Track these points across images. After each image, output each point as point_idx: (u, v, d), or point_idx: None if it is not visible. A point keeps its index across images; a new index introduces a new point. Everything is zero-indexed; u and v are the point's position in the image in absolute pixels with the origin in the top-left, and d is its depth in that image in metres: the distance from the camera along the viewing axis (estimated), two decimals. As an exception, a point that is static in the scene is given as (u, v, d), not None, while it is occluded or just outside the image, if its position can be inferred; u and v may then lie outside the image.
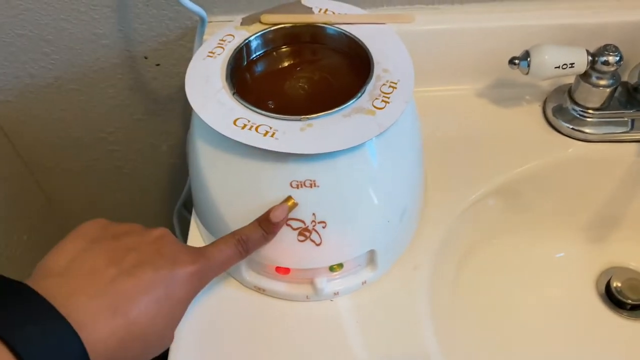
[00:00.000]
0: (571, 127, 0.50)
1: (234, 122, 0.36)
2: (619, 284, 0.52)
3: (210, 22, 0.52)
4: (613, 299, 0.52)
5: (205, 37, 0.51)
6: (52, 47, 0.55)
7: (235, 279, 0.42)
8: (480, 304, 0.49)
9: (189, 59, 0.56)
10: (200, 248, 0.36)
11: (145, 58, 0.56)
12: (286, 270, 0.39)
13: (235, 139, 0.35)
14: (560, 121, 0.51)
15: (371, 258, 0.40)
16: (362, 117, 0.37)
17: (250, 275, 0.40)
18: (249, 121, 0.36)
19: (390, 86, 0.39)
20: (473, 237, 0.49)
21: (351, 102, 0.37)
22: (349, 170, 0.37)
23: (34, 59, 0.55)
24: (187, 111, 0.62)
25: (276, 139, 0.35)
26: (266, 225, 0.36)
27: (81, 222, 0.33)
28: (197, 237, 0.45)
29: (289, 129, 0.36)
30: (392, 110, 0.37)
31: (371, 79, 0.39)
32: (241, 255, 0.36)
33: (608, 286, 0.52)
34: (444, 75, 0.54)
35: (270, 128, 0.36)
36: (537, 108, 0.53)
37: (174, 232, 0.69)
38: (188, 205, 0.68)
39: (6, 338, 0.25)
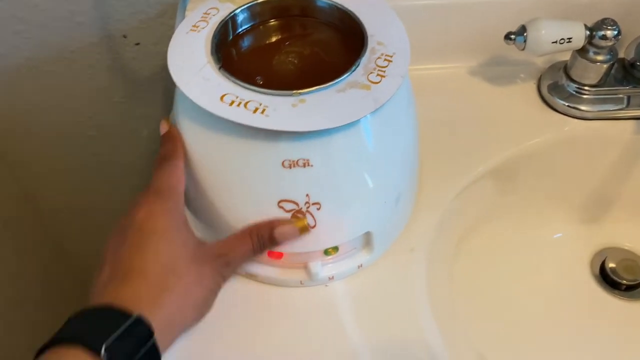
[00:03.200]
0: (567, 104, 0.49)
1: (221, 99, 0.34)
2: (614, 265, 0.51)
3: (192, -3, 0.49)
4: (608, 279, 0.51)
5: (187, 12, 0.48)
6: (24, 25, 0.51)
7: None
8: (477, 286, 0.48)
9: (170, 38, 0.54)
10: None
11: (124, 37, 0.53)
12: (279, 255, 0.37)
13: (223, 116, 0.33)
14: (555, 99, 0.50)
15: (367, 241, 0.39)
16: (357, 91, 0.35)
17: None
18: (237, 97, 0.34)
19: (385, 59, 0.37)
20: (469, 219, 0.48)
21: (345, 75, 0.35)
22: (344, 149, 0.35)
23: (4, 37, 0.52)
24: (169, 93, 0.59)
25: (267, 115, 0.33)
26: (267, 240, 0.35)
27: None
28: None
29: (280, 105, 0.34)
30: (388, 84, 0.35)
31: (365, 51, 0.37)
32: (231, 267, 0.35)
33: (603, 267, 0.51)
34: (437, 53, 0.53)
35: (260, 104, 0.34)
36: (532, 86, 0.52)
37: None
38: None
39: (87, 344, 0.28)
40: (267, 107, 0.34)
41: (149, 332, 0.29)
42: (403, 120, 0.38)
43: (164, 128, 0.38)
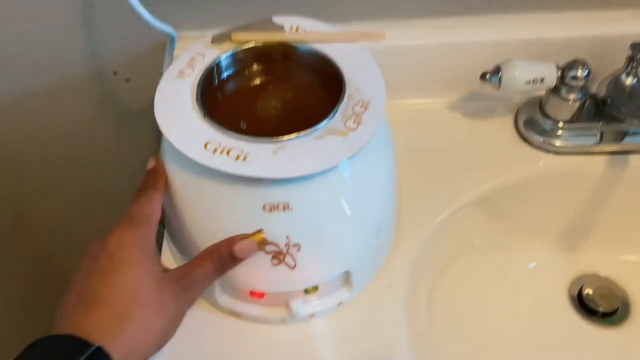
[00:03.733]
0: (542, 139, 0.51)
1: (205, 146, 0.36)
2: (590, 292, 0.53)
3: (181, 36, 0.51)
4: (585, 306, 0.52)
5: (176, 52, 0.50)
6: (16, 63, 0.53)
7: (210, 303, 0.41)
8: (456, 317, 0.49)
9: (160, 74, 0.55)
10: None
11: (115, 73, 0.55)
12: (261, 294, 0.39)
13: (206, 164, 0.35)
14: (531, 134, 0.52)
15: (346, 279, 0.40)
16: (334, 138, 0.37)
17: (224, 300, 0.40)
18: (219, 144, 0.36)
19: (362, 106, 0.39)
20: (448, 250, 0.50)
21: (323, 123, 0.37)
22: (323, 192, 0.37)
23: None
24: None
25: (248, 163, 0.35)
26: (228, 259, 0.36)
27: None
28: (169, 259, 0.44)
29: (260, 151, 0.36)
30: (365, 130, 0.37)
31: (343, 98, 0.39)
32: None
33: (580, 294, 0.53)
34: (417, 88, 0.55)
35: (242, 151, 0.35)
36: (509, 120, 0.54)
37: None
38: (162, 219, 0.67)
39: None
40: (248, 154, 0.35)
41: None
42: (380, 162, 0.40)
43: (151, 164, 0.40)
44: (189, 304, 0.37)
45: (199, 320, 0.40)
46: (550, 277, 0.54)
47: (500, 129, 0.53)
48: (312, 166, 0.35)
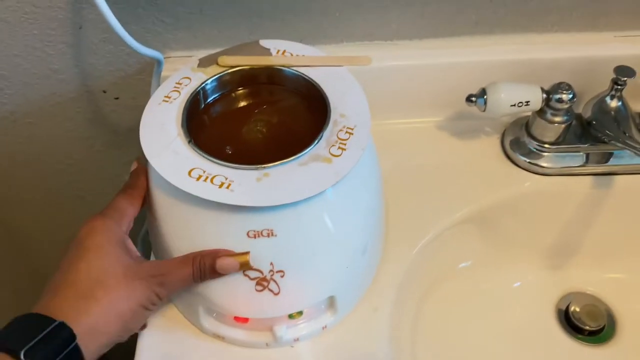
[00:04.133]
0: (528, 160, 0.51)
1: (189, 173, 0.36)
2: (577, 309, 0.53)
3: (169, 57, 0.51)
4: (571, 324, 0.53)
5: (164, 72, 0.50)
6: (6, 82, 0.53)
7: (194, 326, 0.41)
8: (442, 337, 0.50)
9: (148, 92, 0.56)
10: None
11: (104, 92, 0.55)
12: (245, 319, 0.39)
13: (190, 192, 0.35)
14: (517, 155, 0.52)
15: (331, 303, 0.40)
16: (318, 165, 0.37)
17: (208, 323, 0.40)
18: (204, 172, 0.36)
19: (347, 132, 0.39)
20: (434, 271, 0.50)
21: (308, 149, 0.37)
22: (307, 218, 0.37)
23: (-13, 93, 0.54)
24: (148, 142, 0.61)
25: (232, 190, 0.35)
26: (208, 271, 0.36)
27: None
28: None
29: (245, 179, 0.36)
30: (349, 157, 0.37)
31: (328, 125, 0.39)
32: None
33: (567, 311, 0.53)
34: (404, 108, 0.55)
35: (226, 179, 0.36)
36: (496, 140, 0.54)
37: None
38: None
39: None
40: (232, 181, 0.36)
41: (71, 337, 0.32)
42: (365, 186, 0.40)
43: (133, 166, 0.43)
44: (160, 298, 0.37)
45: (183, 342, 0.40)
46: (537, 295, 0.55)
47: (487, 149, 0.54)
48: (296, 194, 0.35)
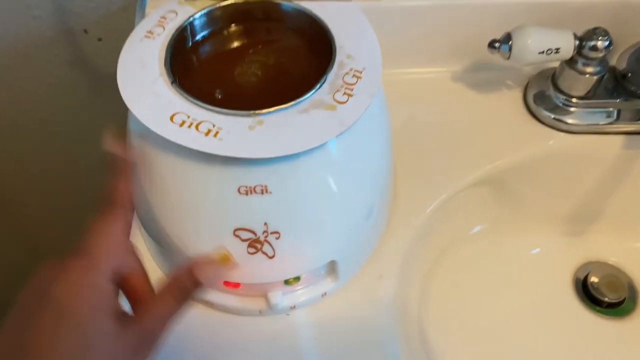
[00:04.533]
0: (553, 116, 0.46)
1: (171, 118, 0.31)
2: (597, 280, 0.49)
3: (155, -8, 0.46)
4: (589, 295, 0.49)
5: (148, 9, 0.45)
6: (-25, 18, 0.48)
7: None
8: (452, 308, 0.46)
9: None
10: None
11: (85, 32, 0.50)
12: (236, 285, 0.35)
13: (171, 139, 0.30)
14: (541, 110, 0.47)
15: (332, 268, 0.36)
16: (321, 112, 0.32)
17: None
18: (188, 117, 0.31)
19: (354, 75, 0.34)
20: (445, 236, 0.46)
21: (308, 94, 0.32)
22: (306, 174, 0.32)
23: (-48, 30, 0.49)
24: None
25: (220, 139, 0.30)
26: (191, 287, 0.30)
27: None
28: (140, 243, 0.41)
29: (235, 126, 0.31)
30: (356, 104, 0.32)
31: (333, 67, 0.34)
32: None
33: (585, 282, 0.49)
34: (418, 56, 0.50)
35: (214, 126, 0.31)
36: (518, 94, 0.49)
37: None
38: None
39: None
40: (221, 129, 0.31)
41: None
42: (373, 140, 0.36)
43: (107, 143, 0.32)
44: (150, 352, 0.30)
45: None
46: (554, 263, 0.51)
47: (508, 104, 0.49)
48: (294, 145, 0.31)
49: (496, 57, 0.46)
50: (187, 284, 0.30)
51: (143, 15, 0.42)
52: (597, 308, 0.48)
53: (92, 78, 0.54)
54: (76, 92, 0.56)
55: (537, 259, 0.51)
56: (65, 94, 0.56)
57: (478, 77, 0.50)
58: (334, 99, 0.33)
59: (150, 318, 0.29)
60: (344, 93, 0.33)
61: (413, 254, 0.41)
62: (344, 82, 0.34)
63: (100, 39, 0.50)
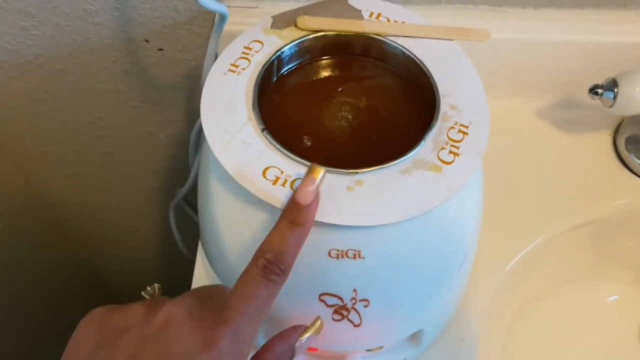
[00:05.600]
0: (646, 166, 0.43)
1: (263, 173, 0.28)
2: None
3: (229, 7, 0.43)
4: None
5: (225, 27, 0.41)
6: (32, 21, 0.45)
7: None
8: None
9: (198, 46, 0.47)
10: (218, 310, 0.26)
11: (146, 41, 0.46)
12: (313, 349, 0.32)
13: (264, 199, 0.27)
14: (633, 157, 0.44)
15: (416, 335, 0.33)
16: (424, 174, 0.29)
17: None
18: (282, 172, 0.28)
19: (460, 131, 0.31)
20: (527, 290, 0.43)
21: (412, 152, 0.29)
22: (404, 240, 0.29)
23: (10, 32, 0.46)
24: (192, 101, 0.53)
25: (318, 201, 0.28)
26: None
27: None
28: (202, 275, 0.38)
29: (333, 186, 0.28)
30: (464, 166, 0.29)
31: (437, 120, 0.31)
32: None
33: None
34: (501, 88, 0.46)
35: (310, 184, 0.28)
36: (606, 137, 0.46)
37: (168, 226, 0.63)
38: (189, 199, 0.60)
39: None
40: (317, 188, 0.28)
41: None
42: (474, 200, 0.33)
43: (306, 197, 0.27)
44: None
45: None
46: (626, 313, 0.48)
47: (595, 147, 0.45)
48: (397, 213, 0.28)
49: (584, 94, 0.42)
50: (283, 354, 0.27)
51: (219, 37, 0.39)
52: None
53: (148, 87, 0.51)
54: (128, 99, 0.53)
55: (612, 307, 0.48)
56: (117, 100, 0.53)
57: (563, 115, 0.47)
58: (439, 159, 0.30)
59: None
60: (450, 152, 0.30)
61: (494, 311, 0.38)
62: (449, 138, 0.30)
63: (161, 49, 0.47)
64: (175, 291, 0.29)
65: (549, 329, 0.44)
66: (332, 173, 0.28)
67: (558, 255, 0.43)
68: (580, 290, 0.46)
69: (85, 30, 0.45)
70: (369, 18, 0.35)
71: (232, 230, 0.31)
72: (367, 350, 0.32)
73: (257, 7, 0.42)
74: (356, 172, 0.29)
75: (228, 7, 0.42)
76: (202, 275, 0.39)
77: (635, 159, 0.43)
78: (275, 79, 0.34)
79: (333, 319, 0.30)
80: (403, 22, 0.35)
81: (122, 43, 0.47)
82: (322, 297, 0.30)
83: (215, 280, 0.36)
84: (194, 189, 0.47)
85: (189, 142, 0.48)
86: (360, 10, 0.35)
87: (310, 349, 0.32)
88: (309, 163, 0.29)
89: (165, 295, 0.29)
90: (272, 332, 0.33)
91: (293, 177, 0.28)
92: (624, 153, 0.44)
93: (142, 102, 0.53)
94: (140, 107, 0.54)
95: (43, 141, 0.58)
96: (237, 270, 0.31)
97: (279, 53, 0.33)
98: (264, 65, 0.32)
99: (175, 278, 0.74)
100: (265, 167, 0.29)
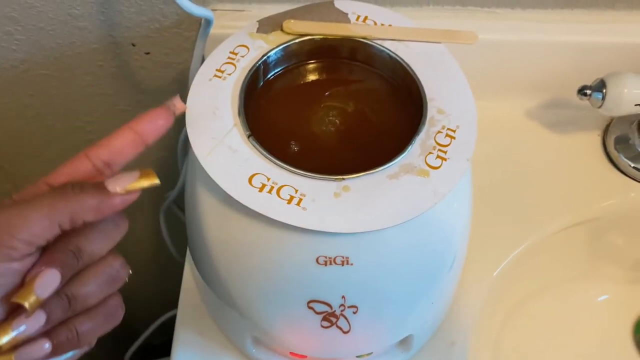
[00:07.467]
0: (634, 166, 0.43)
1: (249, 180, 0.28)
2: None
3: (214, 10, 0.42)
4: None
5: (211, 31, 0.41)
6: (16, 26, 0.44)
7: (239, 350, 0.35)
8: None
9: (185, 49, 0.47)
10: None
11: (133, 45, 0.46)
12: (303, 356, 0.32)
13: (250, 207, 0.27)
14: (621, 157, 0.44)
15: (405, 340, 0.33)
16: (412, 179, 0.29)
17: (259, 352, 0.33)
18: (268, 179, 0.28)
19: (447, 135, 0.31)
20: (517, 291, 0.43)
21: (399, 157, 0.29)
22: (392, 246, 0.29)
23: (-6, 37, 0.45)
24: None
25: (303, 208, 0.27)
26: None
27: None
28: (191, 284, 0.38)
29: (320, 193, 0.28)
30: (451, 170, 0.29)
31: (424, 124, 0.31)
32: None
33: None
34: (490, 89, 0.46)
35: (296, 191, 0.28)
36: (596, 138, 0.46)
37: (159, 229, 0.62)
38: (180, 203, 0.60)
39: None
40: (304, 195, 0.28)
41: None
42: (463, 206, 0.32)
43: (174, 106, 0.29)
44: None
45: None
46: (617, 312, 0.48)
47: (585, 147, 0.45)
48: (385, 219, 0.27)
49: (573, 95, 0.42)
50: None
51: (205, 41, 0.38)
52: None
53: (136, 91, 0.51)
54: (116, 103, 0.52)
55: (603, 307, 0.48)
56: (104, 104, 0.52)
57: (553, 115, 0.47)
58: (427, 164, 0.29)
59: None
60: (437, 156, 0.30)
61: (485, 314, 0.38)
62: (437, 142, 0.30)
63: (148, 53, 0.47)
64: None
65: (541, 330, 0.44)
66: (318, 179, 0.28)
67: (548, 256, 0.43)
68: (571, 290, 0.46)
69: (71, 35, 0.45)
70: (356, 21, 0.35)
71: (219, 236, 0.30)
72: (357, 357, 0.32)
73: (243, 11, 0.42)
74: (343, 178, 0.28)
75: (214, 10, 0.42)
76: (190, 279, 0.39)
77: (625, 159, 0.43)
78: (261, 83, 0.34)
79: (322, 326, 0.30)
80: (390, 25, 0.35)
81: (109, 47, 0.46)
82: (311, 304, 0.30)
83: (203, 283, 0.35)
84: (184, 193, 0.47)
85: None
86: (347, 14, 0.35)
87: (299, 356, 0.32)
88: (297, 170, 0.28)
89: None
90: (261, 340, 0.33)
91: (279, 184, 0.28)
92: (614, 153, 0.44)
93: (130, 105, 0.52)
94: (129, 111, 0.53)
95: (30, 146, 0.58)
96: (222, 275, 0.31)
97: (265, 57, 0.33)
98: (250, 70, 0.32)
99: (166, 281, 0.74)
100: (252, 174, 0.28)
